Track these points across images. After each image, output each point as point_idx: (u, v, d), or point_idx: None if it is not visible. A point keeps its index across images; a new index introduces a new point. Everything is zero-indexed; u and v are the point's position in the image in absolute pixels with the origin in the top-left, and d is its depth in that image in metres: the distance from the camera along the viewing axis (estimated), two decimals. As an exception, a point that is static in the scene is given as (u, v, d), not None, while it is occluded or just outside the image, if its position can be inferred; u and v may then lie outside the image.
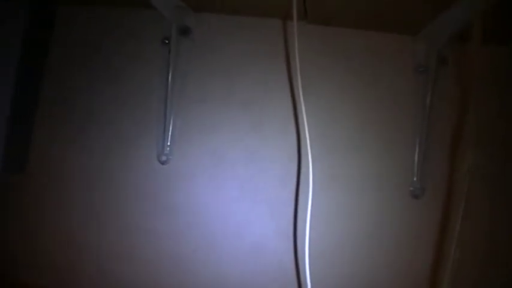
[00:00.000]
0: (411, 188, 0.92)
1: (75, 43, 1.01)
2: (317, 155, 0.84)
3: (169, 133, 0.96)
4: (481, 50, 0.64)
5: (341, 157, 0.93)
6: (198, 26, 0.97)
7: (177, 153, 0.97)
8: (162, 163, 0.97)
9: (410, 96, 0.93)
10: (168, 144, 0.96)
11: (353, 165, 0.93)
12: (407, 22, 0.88)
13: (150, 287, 0.96)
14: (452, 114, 0.92)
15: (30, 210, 0.99)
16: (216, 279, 0.95)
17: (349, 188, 0.93)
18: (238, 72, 0.97)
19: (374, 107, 0.94)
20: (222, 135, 0.96)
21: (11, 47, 0.79)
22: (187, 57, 0.97)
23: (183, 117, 0.97)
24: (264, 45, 0.97)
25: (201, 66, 0.98)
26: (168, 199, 0.97)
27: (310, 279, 0.69)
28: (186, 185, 0.97)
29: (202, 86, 0.98)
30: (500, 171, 0.92)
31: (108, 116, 1.00)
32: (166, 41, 0.96)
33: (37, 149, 0.99)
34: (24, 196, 1.00)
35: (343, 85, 0.95)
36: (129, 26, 1.00)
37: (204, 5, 0.93)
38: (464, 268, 0.86)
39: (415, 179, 0.91)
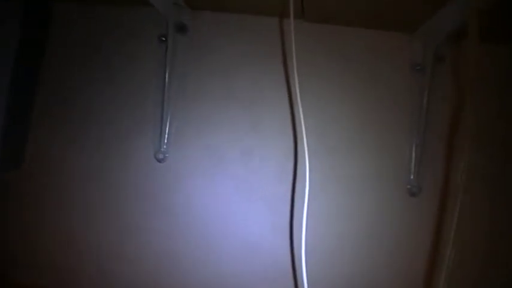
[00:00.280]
0: (408, 186, 0.92)
1: (72, 41, 1.01)
2: (314, 154, 0.84)
3: (167, 132, 0.97)
4: (479, 49, 0.64)
5: (338, 156, 0.93)
6: (195, 23, 0.98)
7: (175, 152, 0.98)
8: (160, 161, 0.97)
9: (407, 95, 0.93)
10: (165, 142, 0.97)
11: (350, 163, 0.93)
12: (404, 20, 0.88)
13: (148, 285, 0.96)
14: (449, 112, 0.92)
15: (29, 210, 1.00)
16: (214, 278, 0.95)
17: (346, 185, 0.93)
18: (235, 70, 0.97)
19: (371, 105, 0.94)
20: (219, 134, 0.97)
21: (7, 47, 0.79)
22: (184, 54, 0.98)
23: (180, 116, 0.98)
24: (261, 43, 0.97)
25: (197, 63, 0.98)
26: (165, 198, 0.97)
27: (307, 277, 0.69)
28: (183, 184, 0.97)
29: (199, 84, 0.98)
30: (499, 171, 0.92)
31: (106, 115, 1.00)
32: (163, 39, 0.96)
33: (36, 148, 1.00)
34: (24, 196, 1.00)
35: (340, 83, 0.95)
36: (126, 23, 1.00)
37: (201, 2, 0.93)
38: (464, 268, 0.86)
39: (412, 177, 0.91)
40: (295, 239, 0.88)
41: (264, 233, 0.94)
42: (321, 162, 0.91)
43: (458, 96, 0.91)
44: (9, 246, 1.00)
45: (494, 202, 0.91)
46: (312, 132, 0.89)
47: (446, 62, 0.93)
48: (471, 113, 0.68)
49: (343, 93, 0.95)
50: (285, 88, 0.94)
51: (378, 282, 0.91)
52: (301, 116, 0.73)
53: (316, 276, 0.76)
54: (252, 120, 0.96)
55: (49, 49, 1.00)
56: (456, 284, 0.72)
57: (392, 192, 0.92)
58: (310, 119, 0.83)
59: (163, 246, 0.96)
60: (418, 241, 0.91)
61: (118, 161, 0.99)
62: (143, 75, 0.99)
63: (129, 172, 0.98)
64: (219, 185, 0.96)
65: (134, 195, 0.98)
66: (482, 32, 0.64)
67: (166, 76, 0.95)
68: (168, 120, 0.97)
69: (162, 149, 0.96)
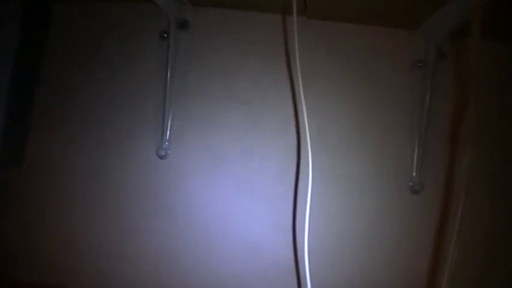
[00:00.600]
0: (410, 184, 0.92)
1: (72, 40, 1.01)
2: (316, 153, 0.84)
3: (168, 130, 0.97)
4: (481, 46, 0.64)
5: (339, 154, 0.94)
6: (197, 20, 0.98)
7: (176, 150, 0.97)
8: (161, 158, 0.97)
9: (408, 92, 0.93)
10: (167, 140, 0.97)
11: (351, 162, 0.94)
12: (406, 17, 0.88)
13: (148, 285, 0.96)
14: (451, 110, 0.92)
15: (29, 209, 0.99)
16: (214, 278, 0.95)
17: (347, 184, 0.93)
18: (236, 69, 0.97)
19: (372, 103, 0.94)
20: (220, 133, 0.97)
21: (7, 46, 0.79)
22: (186, 52, 0.98)
23: (181, 114, 0.98)
24: (262, 40, 0.97)
25: (199, 61, 0.98)
26: (166, 197, 0.97)
27: (310, 277, 0.69)
28: (184, 183, 0.97)
29: (200, 82, 0.98)
30: (500, 170, 0.92)
31: (107, 115, 1.00)
32: (165, 35, 0.96)
33: (36, 148, 0.99)
34: (24, 196, 1.00)
35: (341, 81, 0.95)
36: (126, 21, 1.00)
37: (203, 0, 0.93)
38: (464, 267, 0.85)
39: (414, 174, 0.91)
40: (297, 238, 0.88)
41: (264, 233, 0.94)
42: (322, 161, 0.91)
43: (459, 93, 0.91)
44: (9, 246, 0.99)
45: (495, 201, 0.91)
46: (313, 131, 0.89)
47: (448, 59, 0.93)
48: (473, 111, 0.68)
49: (344, 91, 0.95)
50: (286, 87, 0.94)
51: (379, 281, 0.91)
52: (305, 115, 0.73)
53: (317, 276, 0.76)
54: (253, 119, 0.96)
55: (49, 49, 1.00)
56: (458, 284, 0.73)
57: (393, 191, 0.93)
58: (312, 118, 0.83)
59: (164, 246, 0.96)
60: (420, 240, 0.91)
61: (118, 160, 0.99)
62: (144, 74, 0.99)
63: (129, 171, 0.98)
64: (220, 184, 0.96)
65: (134, 194, 0.98)
66: (484, 30, 0.64)
67: (168, 74, 0.95)
68: (170, 118, 0.97)
69: (164, 146, 0.96)
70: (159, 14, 0.95)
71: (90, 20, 1.01)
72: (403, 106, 0.93)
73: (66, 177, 0.99)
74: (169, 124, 0.97)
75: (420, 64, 0.92)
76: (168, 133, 0.97)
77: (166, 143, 0.97)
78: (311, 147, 0.71)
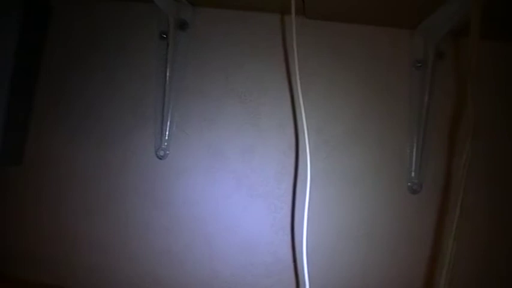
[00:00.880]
0: (409, 184, 0.92)
1: (72, 39, 1.01)
2: (314, 151, 0.85)
3: (167, 129, 0.97)
4: (479, 46, 0.64)
5: (337, 153, 0.94)
6: (196, 20, 0.98)
7: (175, 149, 0.98)
8: (160, 158, 0.97)
9: (408, 91, 0.93)
10: (166, 139, 0.97)
11: (350, 161, 0.94)
12: (405, 16, 0.88)
13: (147, 282, 0.96)
14: (450, 109, 0.92)
15: (28, 208, 1.00)
16: (211, 274, 0.95)
17: (346, 183, 0.93)
18: (236, 67, 0.98)
19: (371, 102, 0.94)
20: (219, 131, 0.97)
21: (8, 45, 0.79)
22: (185, 51, 0.98)
23: (181, 112, 0.98)
24: (262, 40, 0.97)
25: (198, 60, 0.98)
26: (166, 197, 0.97)
27: (308, 275, 0.69)
28: (183, 182, 0.97)
29: (200, 82, 0.98)
30: (499, 169, 0.92)
31: (107, 113, 1.00)
32: (164, 36, 0.96)
33: (35, 147, 1.00)
34: (23, 195, 1.00)
35: (340, 81, 0.95)
36: (126, 20, 1.00)
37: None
38: (463, 266, 0.87)
39: (413, 174, 0.92)
40: (296, 236, 0.89)
41: (264, 231, 0.94)
42: (321, 160, 0.91)
43: (459, 92, 0.91)
44: (8, 244, 1.00)
45: (494, 200, 0.91)
46: (312, 130, 0.89)
47: (447, 58, 0.93)
48: (471, 110, 0.68)
49: (342, 91, 0.95)
50: (285, 86, 0.94)
51: (378, 281, 0.92)
52: (303, 113, 0.73)
53: (316, 274, 0.76)
54: (252, 119, 0.96)
55: (48, 47, 1.00)
56: (457, 282, 0.73)
57: (392, 190, 0.93)
58: (311, 117, 0.84)
59: (163, 244, 0.97)
60: (418, 239, 0.91)
61: (118, 159, 0.99)
62: (143, 74, 0.99)
63: (129, 171, 0.98)
64: (219, 183, 0.96)
65: (134, 192, 0.98)
66: (482, 29, 0.64)
67: (167, 75, 0.95)
68: (169, 117, 0.97)
69: (163, 146, 0.97)
70: (159, 14, 0.96)
71: (89, 20, 1.01)
72: (402, 106, 0.93)
73: (64, 173, 1.00)
74: (168, 124, 0.97)
75: (419, 64, 0.92)
76: (167, 133, 0.97)
77: (166, 143, 0.97)
78: (309, 146, 0.71)
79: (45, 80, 1.00)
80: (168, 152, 0.97)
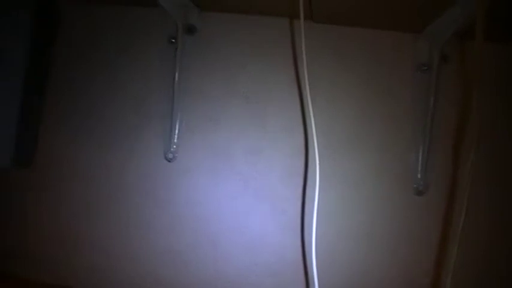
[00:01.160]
0: (415, 185, 0.93)
1: (81, 41, 1.03)
2: (321, 154, 0.85)
3: (176, 131, 0.98)
4: (484, 49, 0.65)
5: (344, 155, 0.95)
6: (204, 24, 0.99)
7: (184, 152, 0.99)
8: (169, 161, 0.98)
9: (413, 95, 0.95)
10: (175, 142, 0.98)
11: (358, 164, 0.95)
12: (410, 20, 0.89)
13: (153, 283, 0.98)
14: (455, 112, 0.93)
15: (30, 206, 1.02)
16: (215, 274, 0.97)
17: (353, 185, 0.95)
18: (243, 71, 0.99)
19: (378, 105, 0.96)
20: (227, 133, 0.98)
21: (20, 48, 0.80)
22: (193, 55, 0.99)
23: (189, 115, 0.99)
24: (269, 44, 0.98)
25: (206, 64, 1.00)
26: (169, 194, 0.99)
27: (317, 275, 0.70)
28: (191, 184, 0.99)
29: (208, 85, 0.99)
30: (503, 170, 0.93)
31: (116, 116, 1.02)
32: (173, 40, 0.97)
33: (45, 147, 1.01)
34: (25, 192, 1.02)
35: (347, 84, 0.96)
36: (134, 24, 1.02)
37: (210, 3, 0.95)
38: (468, 267, 0.88)
39: (419, 176, 0.93)
40: (304, 237, 0.90)
41: (271, 231, 0.96)
42: (328, 163, 0.92)
43: (464, 95, 0.93)
44: (11, 243, 1.01)
45: (499, 202, 0.92)
46: (319, 131, 0.90)
47: (452, 61, 0.94)
48: (476, 113, 0.69)
49: (349, 94, 0.96)
50: (292, 89, 0.96)
51: (384, 281, 0.93)
52: (312, 116, 0.74)
53: (322, 275, 0.77)
54: (260, 121, 0.98)
55: (59, 49, 1.01)
56: (461, 283, 0.74)
57: (398, 192, 0.94)
58: (317, 119, 0.85)
59: (169, 245, 0.98)
60: (424, 240, 0.92)
61: (126, 161, 1.00)
62: (152, 78, 1.01)
63: (137, 173, 1.00)
64: (227, 184, 0.98)
65: (142, 194, 0.99)
66: (487, 32, 0.65)
67: (175, 78, 0.97)
68: (178, 120, 0.98)
69: (172, 149, 0.98)
70: (167, 18, 0.97)
71: (99, 23, 1.03)
72: (408, 109, 0.95)
73: (67, 177, 1.01)
74: (176, 126, 0.98)
75: (425, 68, 0.93)
76: (175, 136, 0.98)
77: (174, 146, 0.98)
78: (318, 148, 0.73)
79: (54, 84, 1.02)
80: (176, 155, 0.99)
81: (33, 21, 0.82)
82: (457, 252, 0.64)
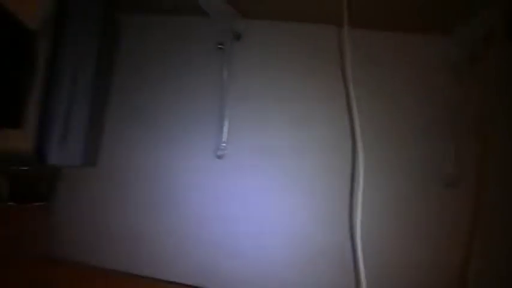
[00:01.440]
0: (444, 178, 0.97)
1: (138, 49, 1.10)
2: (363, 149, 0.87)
3: (225, 130, 1.05)
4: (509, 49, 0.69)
5: (386, 150, 1.00)
6: (249, 31, 1.06)
7: (232, 150, 1.06)
8: (219, 158, 1.05)
9: (445, 93, 0.99)
10: (224, 141, 1.05)
11: (398, 160, 1.00)
12: (439, 23, 0.93)
13: (212, 275, 1.04)
14: (485, 108, 0.96)
15: (99, 204, 1.10)
16: (268, 266, 1.02)
17: (395, 180, 0.99)
18: (286, 72, 1.05)
19: (412, 103, 1.00)
20: (273, 133, 1.04)
21: (88, 57, 0.84)
22: (240, 59, 1.06)
23: (236, 116, 1.06)
24: (311, 49, 1.04)
25: (252, 67, 1.06)
26: (222, 191, 1.05)
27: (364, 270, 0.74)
28: (239, 180, 1.05)
29: (253, 86, 1.06)
30: (499, 169, 0.94)
31: (170, 118, 1.09)
32: (221, 46, 1.04)
33: (107, 150, 1.09)
34: (95, 192, 1.10)
35: (391, 84, 1.02)
36: (187, 32, 1.09)
37: (254, 12, 1.01)
38: (497, 260, 0.90)
39: (449, 169, 0.96)
40: (344, 230, 0.93)
41: (316, 224, 1.01)
42: (371, 160, 0.90)
43: (491, 93, 0.95)
44: (83, 234, 1.09)
45: (495, 199, 0.94)
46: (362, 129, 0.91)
47: (480, 62, 0.96)
48: (504, 109, 0.73)
49: (385, 92, 1.02)
50: (335, 90, 1.00)
51: (418, 273, 0.97)
52: (355, 114, 0.79)
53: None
54: (304, 120, 1.04)
55: (120, 58, 1.09)
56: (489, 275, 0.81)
57: (431, 184, 0.98)
58: (360, 116, 0.86)
59: (220, 234, 1.04)
60: (456, 232, 0.96)
61: (181, 160, 1.07)
62: (202, 81, 1.08)
63: (190, 170, 1.07)
64: (273, 179, 1.03)
65: (195, 189, 1.06)
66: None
67: (224, 82, 1.04)
68: (226, 120, 1.05)
69: (221, 147, 1.05)
70: (216, 26, 1.04)
71: (155, 32, 1.10)
72: (440, 106, 0.99)
73: (132, 173, 1.09)
74: (226, 126, 1.05)
75: (454, 68, 0.98)
76: (225, 135, 1.05)
77: (224, 144, 1.05)
78: (363, 144, 0.77)
79: (117, 89, 1.09)
80: (226, 152, 1.05)
81: (100, 31, 0.88)
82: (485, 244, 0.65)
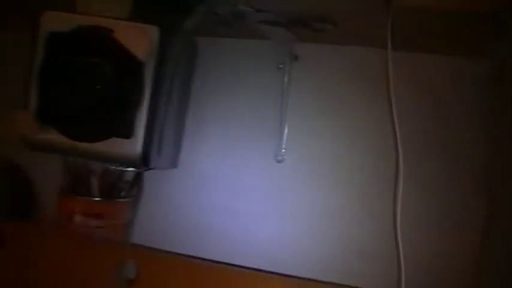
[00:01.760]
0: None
1: (209, 68, 1.26)
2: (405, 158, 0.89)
3: (284, 141, 1.21)
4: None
5: (423, 166, 1.09)
6: (304, 53, 1.21)
7: (291, 157, 1.21)
8: (278, 162, 1.21)
9: (480, 109, 1.08)
10: (283, 148, 1.21)
11: (437, 171, 1.09)
12: (472, 45, 0.99)
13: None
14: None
15: (177, 200, 1.28)
16: (317, 260, 1.16)
17: (432, 187, 1.09)
18: (339, 90, 1.19)
19: (452, 121, 1.09)
20: (328, 144, 1.19)
21: (168, 78, 0.93)
22: (298, 79, 1.21)
23: (295, 125, 1.21)
24: (357, 70, 1.17)
25: (308, 86, 1.22)
26: (281, 194, 1.21)
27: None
28: (298, 185, 1.20)
29: (310, 101, 1.21)
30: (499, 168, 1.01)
31: (236, 126, 1.26)
32: (281, 66, 1.21)
33: (183, 157, 1.22)
34: (174, 189, 1.29)
35: (424, 102, 1.12)
36: (250, 53, 1.25)
37: (306, 37, 1.13)
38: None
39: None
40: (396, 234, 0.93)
41: (362, 224, 1.13)
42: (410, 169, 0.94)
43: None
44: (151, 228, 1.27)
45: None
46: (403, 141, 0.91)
47: (508, 81, 1.01)
48: None
49: (425, 109, 1.12)
50: (380, 108, 1.04)
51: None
52: (397, 125, 0.86)
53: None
54: (355, 133, 1.17)
55: (193, 79, 1.22)
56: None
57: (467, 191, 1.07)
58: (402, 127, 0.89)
59: (276, 232, 1.20)
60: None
61: (243, 165, 1.23)
62: (265, 95, 1.24)
63: (252, 174, 1.23)
64: (325, 182, 1.18)
65: (255, 190, 1.22)
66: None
67: (284, 97, 1.21)
68: (285, 131, 1.21)
69: (281, 153, 1.21)
70: (277, 49, 1.20)
71: (223, 53, 1.26)
72: (478, 125, 1.07)
73: (209, 177, 1.26)
74: (285, 135, 1.21)
75: (484, 88, 1.06)
76: (284, 143, 1.21)
77: (283, 151, 1.21)
78: (402, 159, 0.84)
79: (197, 103, 1.25)
80: (285, 157, 1.21)
81: (188, 57, 1.06)
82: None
